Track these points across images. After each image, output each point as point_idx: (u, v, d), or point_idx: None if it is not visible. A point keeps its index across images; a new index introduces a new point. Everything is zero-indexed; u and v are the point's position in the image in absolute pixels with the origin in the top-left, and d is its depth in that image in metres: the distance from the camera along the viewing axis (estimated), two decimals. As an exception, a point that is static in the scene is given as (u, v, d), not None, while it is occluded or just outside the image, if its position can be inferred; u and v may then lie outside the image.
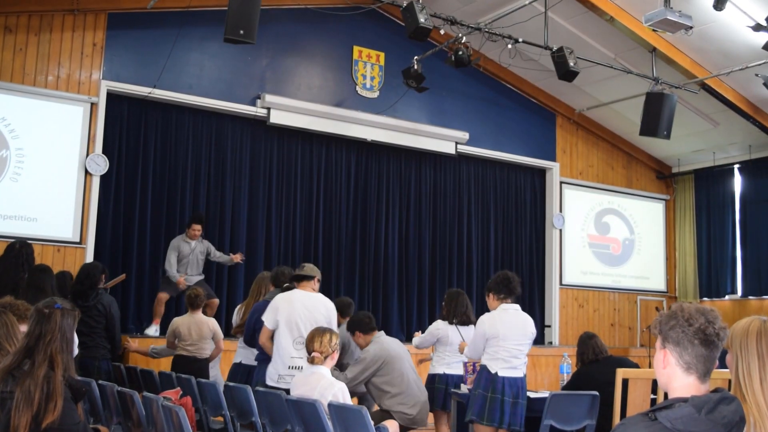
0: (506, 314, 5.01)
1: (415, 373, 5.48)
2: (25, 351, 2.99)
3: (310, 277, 5.15)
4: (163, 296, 8.12)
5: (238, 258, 8.49)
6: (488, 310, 5.18)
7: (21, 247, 5.38)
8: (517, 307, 5.08)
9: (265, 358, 5.25)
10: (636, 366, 5.53)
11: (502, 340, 4.91)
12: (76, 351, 4.70)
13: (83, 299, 5.75)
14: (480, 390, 4.91)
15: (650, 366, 8.89)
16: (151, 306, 8.32)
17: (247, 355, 5.67)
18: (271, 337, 5.06)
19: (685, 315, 2.01)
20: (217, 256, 8.45)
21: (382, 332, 5.62)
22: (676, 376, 2.02)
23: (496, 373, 4.88)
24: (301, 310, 4.99)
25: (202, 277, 8.33)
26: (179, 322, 6.39)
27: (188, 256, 8.14)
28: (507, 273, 5.15)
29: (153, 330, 8.01)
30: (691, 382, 2.00)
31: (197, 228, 8.16)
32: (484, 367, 4.98)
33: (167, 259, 8.12)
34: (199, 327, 6.32)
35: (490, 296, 5.13)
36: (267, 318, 5.03)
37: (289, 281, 5.34)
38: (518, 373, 4.96)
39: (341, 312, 5.85)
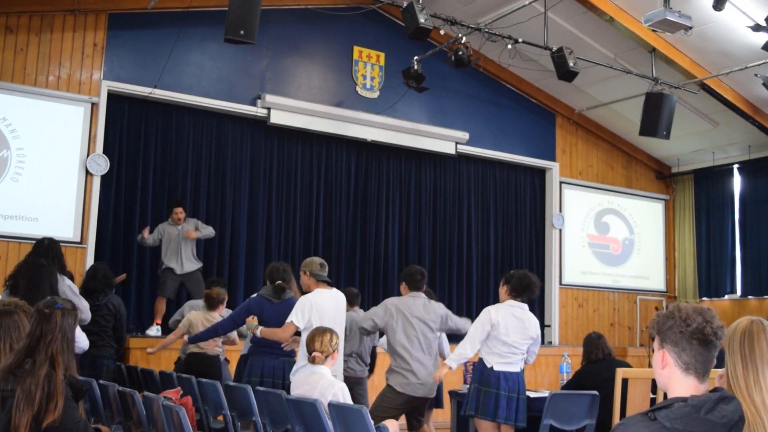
0: (512, 309, 5.03)
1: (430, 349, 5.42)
2: (26, 351, 2.99)
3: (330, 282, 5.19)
4: (162, 300, 8.12)
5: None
6: (486, 306, 5.22)
7: (50, 243, 5.43)
8: (525, 306, 5.10)
9: (257, 351, 5.27)
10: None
11: (502, 334, 4.94)
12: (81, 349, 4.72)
13: (94, 298, 5.75)
14: (475, 384, 4.98)
15: (650, 366, 8.90)
16: (152, 306, 8.33)
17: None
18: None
19: (683, 315, 2.01)
20: (202, 228, 8.33)
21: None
22: (674, 376, 2.02)
23: (492, 367, 4.93)
24: (331, 308, 4.98)
25: (199, 264, 8.30)
26: (193, 318, 6.32)
27: (176, 238, 8.12)
28: (530, 278, 5.09)
29: (155, 330, 8.00)
30: (690, 381, 2.01)
31: (178, 211, 8.17)
32: (480, 361, 5.02)
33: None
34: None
35: (504, 288, 5.14)
36: (297, 318, 4.89)
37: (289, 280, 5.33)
38: (515, 368, 4.98)
39: (349, 301, 5.90)
